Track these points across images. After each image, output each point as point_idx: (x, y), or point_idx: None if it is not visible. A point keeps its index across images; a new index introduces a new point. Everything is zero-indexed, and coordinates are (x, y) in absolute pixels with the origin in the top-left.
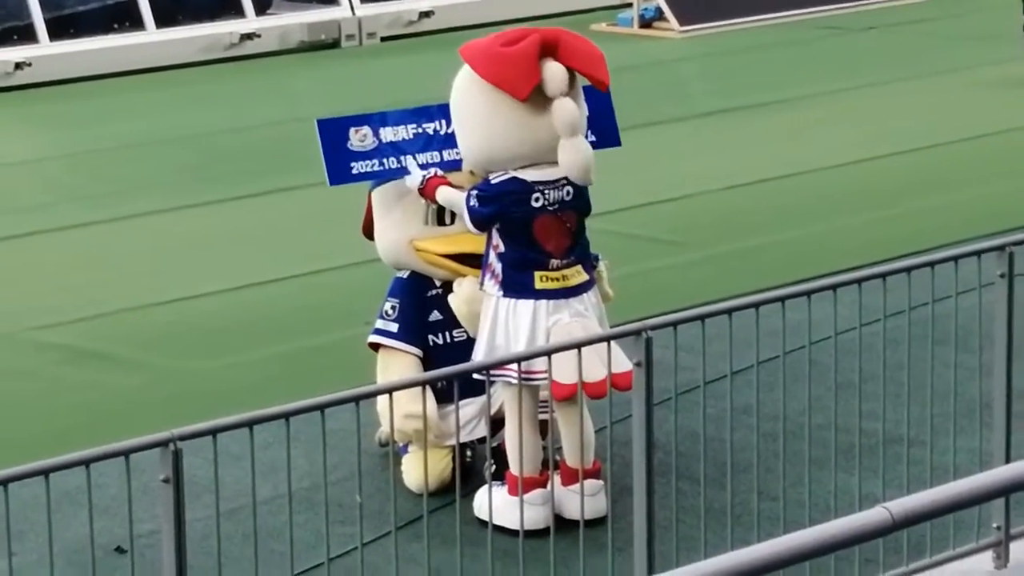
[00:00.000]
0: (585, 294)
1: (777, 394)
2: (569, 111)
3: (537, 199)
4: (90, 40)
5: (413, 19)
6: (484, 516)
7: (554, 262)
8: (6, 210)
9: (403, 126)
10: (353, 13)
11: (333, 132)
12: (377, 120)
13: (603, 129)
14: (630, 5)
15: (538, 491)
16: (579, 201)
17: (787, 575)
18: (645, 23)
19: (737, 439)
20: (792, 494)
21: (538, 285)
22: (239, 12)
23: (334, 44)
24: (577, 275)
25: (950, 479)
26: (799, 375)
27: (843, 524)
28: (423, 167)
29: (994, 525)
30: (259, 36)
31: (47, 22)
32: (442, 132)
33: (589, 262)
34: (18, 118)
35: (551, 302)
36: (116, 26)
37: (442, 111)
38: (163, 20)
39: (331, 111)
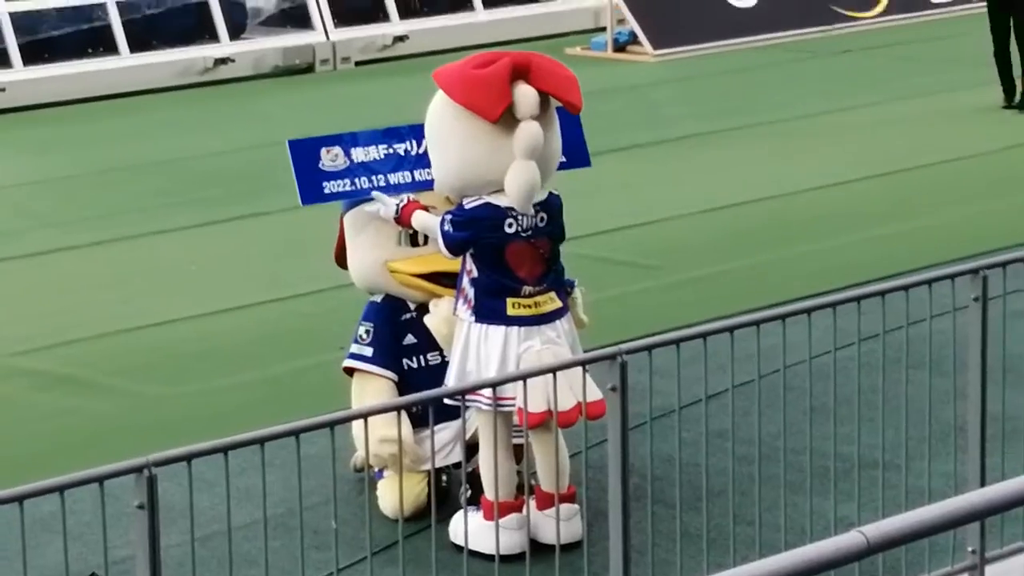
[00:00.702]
0: (558, 321)
1: (752, 418)
2: (530, 134)
3: (510, 224)
4: (64, 65)
5: (387, 43)
6: (459, 541)
7: (526, 288)
8: None
9: (374, 146)
10: (327, 38)
11: (304, 152)
12: (348, 140)
13: (573, 149)
14: (604, 29)
15: (513, 516)
16: (553, 227)
17: None
18: (619, 47)
19: (712, 463)
20: (768, 518)
21: (510, 312)
22: (213, 37)
23: (308, 69)
24: (550, 302)
25: (925, 503)
26: (774, 399)
27: (819, 548)
28: (394, 188)
29: (969, 549)
30: (233, 61)
31: (21, 47)
32: (413, 152)
33: (563, 289)
34: None
35: (523, 329)
36: (90, 51)
37: (413, 132)
38: (137, 45)
39: (306, 135)
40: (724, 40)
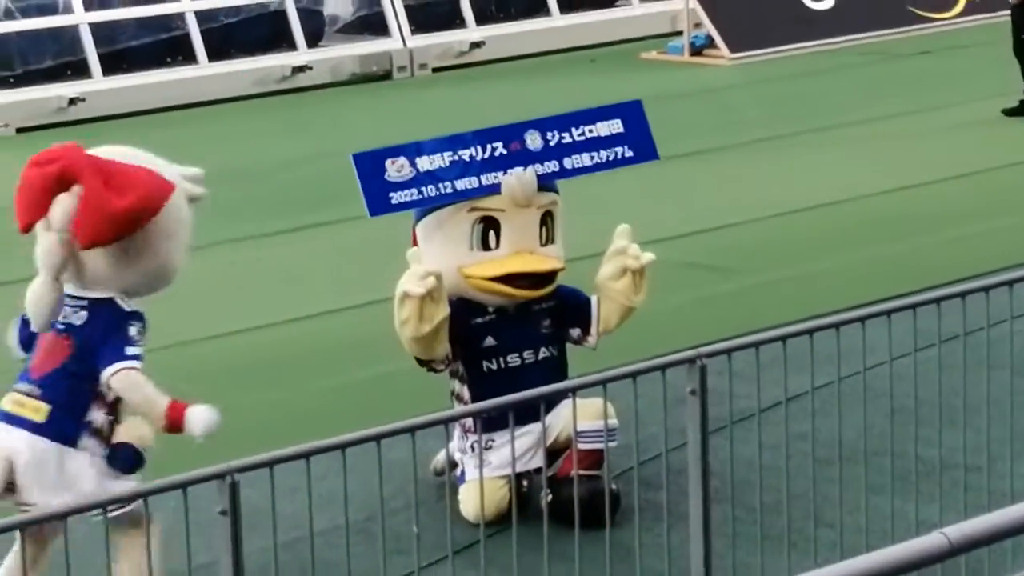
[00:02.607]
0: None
1: (832, 420)
2: (43, 249)
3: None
4: (143, 75)
5: (464, 50)
6: None
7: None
8: None
9: (439, 154)
10: (404, 45)
11: (370, 164)
12: (413, 150)
13: (639, 143)
14: (680, 33)
15: None
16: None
17: None
18: (696, 51)
19: (793, 466)
20: (849, 521)
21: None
22: (291, 45)
23: (386, 76)
24: (35, 411)
25: (1008, 504)
26: (854, 401)
27: (901, 550)
28: (461, 194)
29: None
30: (311, 68)
31: (101, 57)
32: (478, 158)
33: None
34: None
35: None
36: (169, 60)
37: (477, 137)
38: (215, 54)
39: (383, 142)
40: (800, 43)
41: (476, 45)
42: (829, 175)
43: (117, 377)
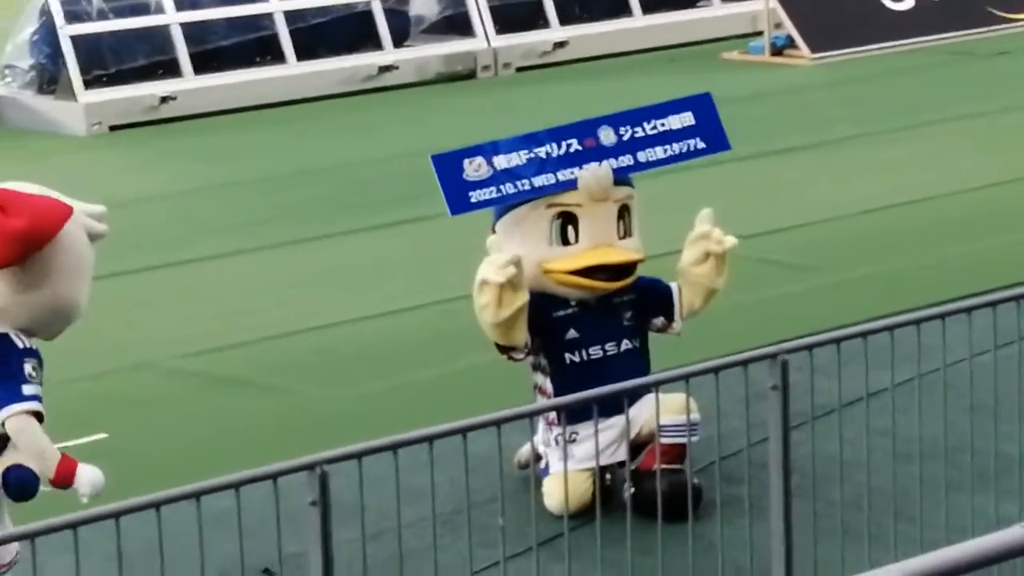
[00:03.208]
0: None
1: (913, 417)
2: None
3: None
4: (233, 74)
5: (548, 49)
6: None
7: None
8: (149, 243)
9: (515, 153)
10: (489, 44)
11: (448, 165)
12: (489, 149)
13: (710, 135)
14: (761, 33)
15: None
16: None
17: None
18: (776, 51)
19: (873, 461)
20: (929, 516)
21: None
22: (377, 45)
23: (470, 75)
24: None
25: None
26: (935, 398)
27: (981, 543)
28: (538, 190)
29: None
30: (397, 68)
31: (192, 56)
32: (554, 155)
33: None
34: (164, 151)
35: None
36: (258, 59)
37: (551, 135)
38: (303, 53)
39: (468, 140)
40: (880, 43)
41: (559, 45)
42: (908, 174)
43: (13, 420)
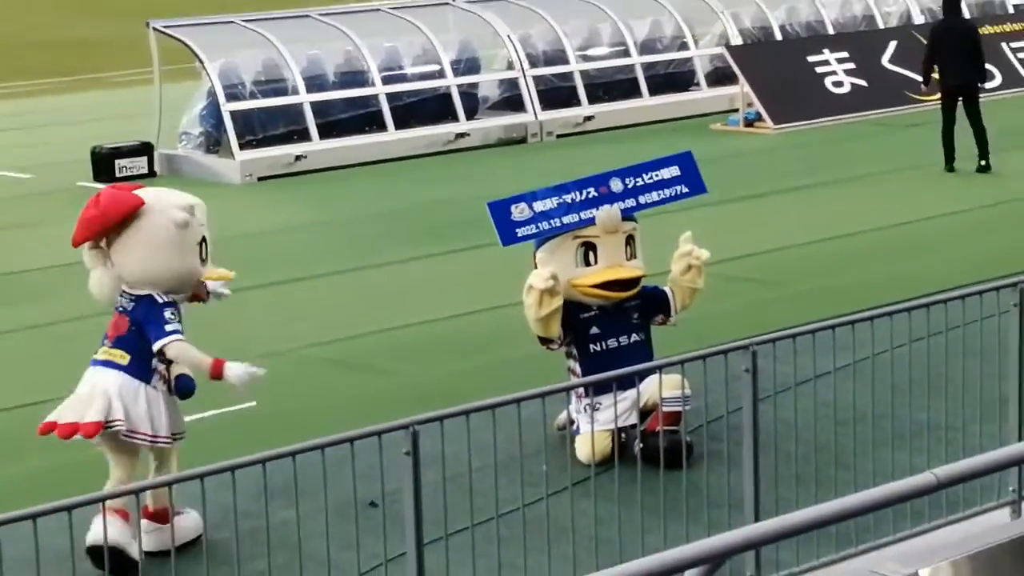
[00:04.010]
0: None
1: (848, 392)
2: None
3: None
4: (348, 139)
5: (579, 121)
6: None
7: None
8: (285, 263)
9: (549, 199)
10: (536, 118)
11: (500, 209)
12: (530, 197)
13: (691, 182)
14: (737, 110)
15: None
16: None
17: (856, 524)
18: (748, 123)
19: (819, 425)
20: (861, 465)
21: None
22: (454, 117)
23: (522, 140)
24: (121, 358)
25: (977, 455)
26: (865, 378)
27: (900, 485)
28: (565, 227)
29: (1010, 488)
30: (468, 135)
31: (318, 126)
32: (578, 200)
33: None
34: (297, 196)
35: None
36: (366, 128)
37: (575, 185)
38: (400, 123)
39: (519, 189)
40: (826, 117)
41: (588, 118)
42: (846, 213)
43: (170, 347)
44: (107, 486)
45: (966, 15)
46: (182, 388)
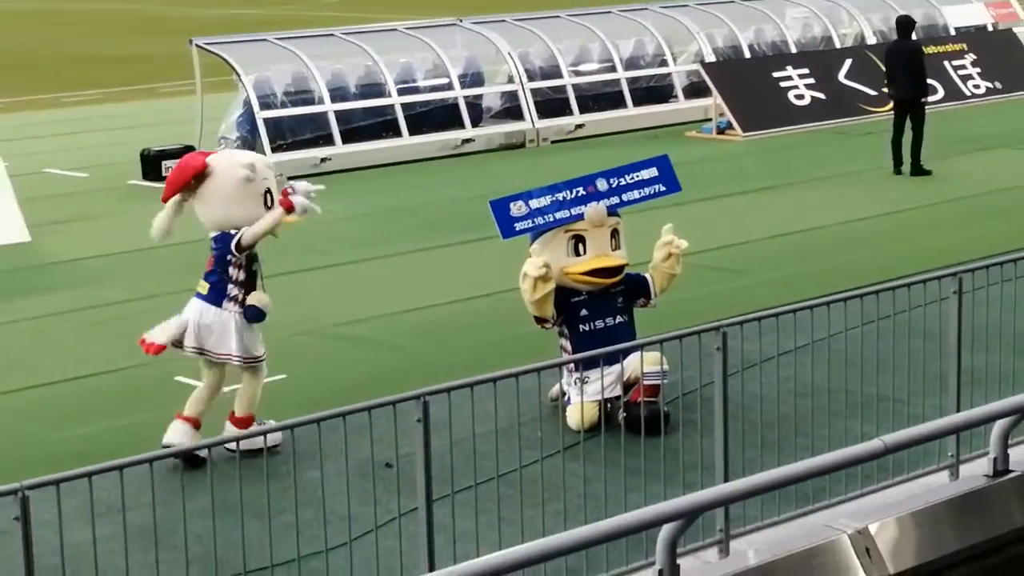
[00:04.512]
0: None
1: (807, 368)
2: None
3: None
4: (368, 143)
5: (571, 129)
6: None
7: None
8: (317, 251)
9: (543, 197)
10: (533, 125)
11: (501, 206)
12: (526, 196)
13: (668, 182)
14: (710, 119)
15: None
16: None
17: (814, 484)
18: (720, 131)
19: (782, 398)
20: (818, 433)
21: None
22: (461, 125)
23: (521, 145)
24: (203, 288)
25: (921, 423)
26: (821, 356)
27: (853, 450)
28: (557, 221)
29: (949, 453)
30: (473, 140)
31: (341, 132)
32: (568, 198)
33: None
34: (323, 194)
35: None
36: (384, 134)
37: (566, 185)
38: (413, 130)
39: (517, 189)
40: (789, 126)
41: (579, 126)
42: (806, 210)
43: (243, 236)
44: (193, 394)
45: (913, 37)
46: (252, 316)
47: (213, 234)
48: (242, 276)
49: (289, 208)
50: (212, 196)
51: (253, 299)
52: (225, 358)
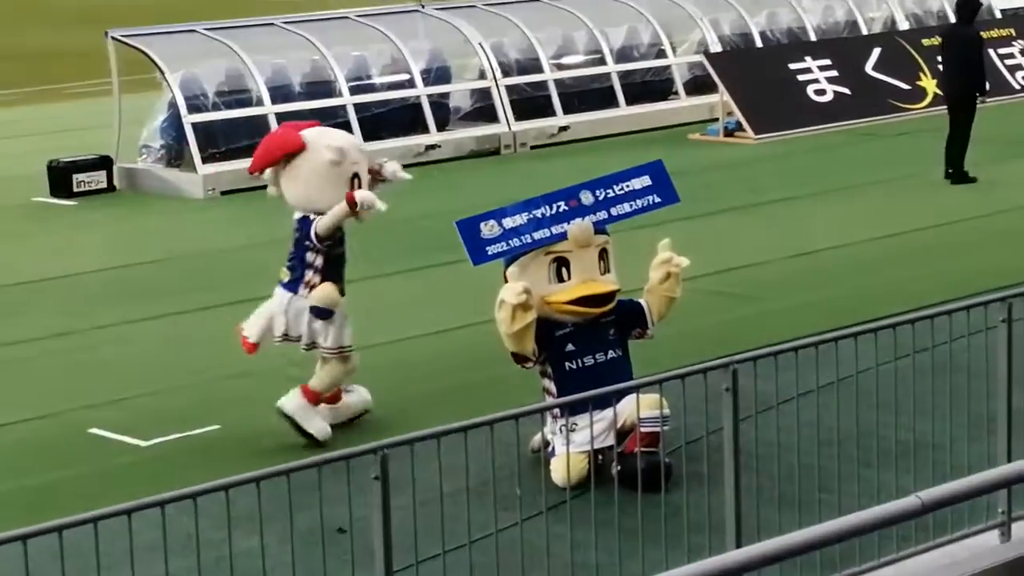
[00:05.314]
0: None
1: (832, 411)
2: None
3: None
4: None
5: (554, 132)
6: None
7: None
8: (253, 277)
9: (519, 215)
10: (509, 128)
11: (469, 227)
12: (499, 213)
13: (663, 192)
14: (717, 119)
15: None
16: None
17: (842, 549)
18: (728, 133)
19: (803, 446)
20: (845, 487)
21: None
22: (425, 129)
23: (495, 152)
24: (284, 275)
25: (965, 475)
26: (848, 397)
27: (885, 509)
28: (537, 242)
29: (999, 510)
30: (439, 146)
31: None
32: (548, 214)
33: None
34: (261, 210)
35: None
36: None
37: (545, 199)
38: (369, 135)
39: (493, 203)
40: (808, 127)
41: (563, 128)
42: (832, 225)
43: (318, 226)
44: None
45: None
46: (317, 314)
47: (297, 215)
48: (320, 262)
49: (351, 202)
50: (298, 176)
51: (316, 297)
52: (306, 346)
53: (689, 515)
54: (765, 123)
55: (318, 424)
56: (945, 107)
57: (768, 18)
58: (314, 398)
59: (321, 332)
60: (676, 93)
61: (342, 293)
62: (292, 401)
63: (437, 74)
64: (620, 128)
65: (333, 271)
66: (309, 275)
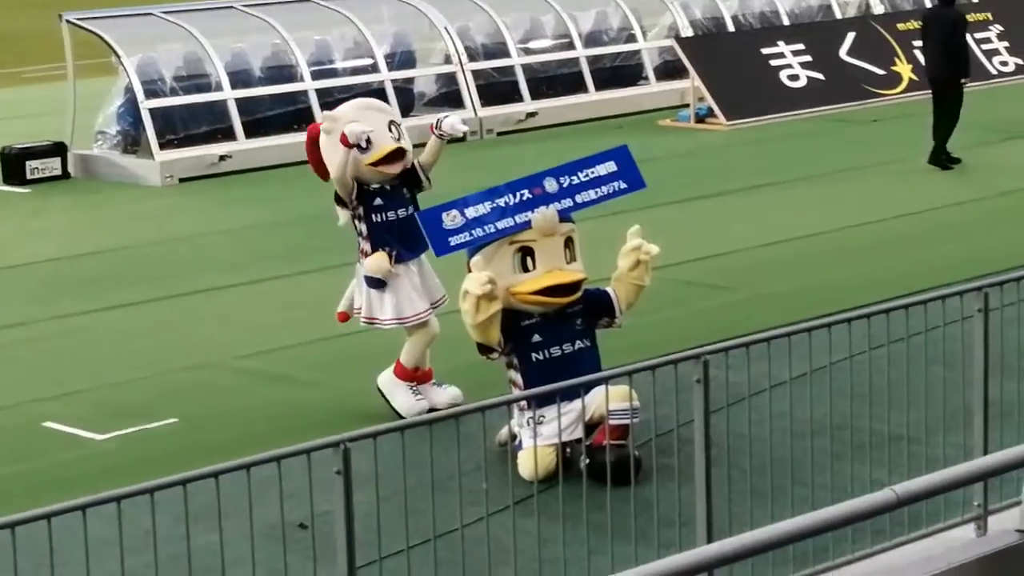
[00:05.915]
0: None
1: (805, 403)
2: None
3: None
4: (275, 138)
5: (522, 118)
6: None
7: None
8: (212, 267)
9: (481, 204)
10: (476, 114)
11: (431, 218)
12: (461, 203)
13: (629, 178)
14: (688, 105)
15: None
16: None
17: (815, 544)
18: (700, 119)
19: (775, 438)
20: (818, 480)
21: None
22: None
23: (462, 138)
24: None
25: (941, 467)
26: (822, 388)
27: (859, 503)
28: (500, 232)
29: (975, 503)
30: None
31: (243, 124)
32: (512, 203)
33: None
34: (221, 198)
35: None
36: (295, 127)
37: (508, 188)
38: None
39: (460, 191)
40: (781, 113)
41: (531, 115)
42: (802, 214)
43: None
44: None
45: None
46: (370, 285)
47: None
48: (364, 229)
49: (344, 142)
50: (326, 160)
51: (367, 266)
52: (364, 321)
53: (659, 509)
54: (737, 109)
55: (402, 399)
56: (921, 93)
57: (740, 2)
58: (404, 374)
59: (377, 302)
60: (646, 78)
61: (400, 260)
62: (384, 375)
63: (401, 58)
64: (589, 114)
65: (382, 238)
66: (360, 243)
